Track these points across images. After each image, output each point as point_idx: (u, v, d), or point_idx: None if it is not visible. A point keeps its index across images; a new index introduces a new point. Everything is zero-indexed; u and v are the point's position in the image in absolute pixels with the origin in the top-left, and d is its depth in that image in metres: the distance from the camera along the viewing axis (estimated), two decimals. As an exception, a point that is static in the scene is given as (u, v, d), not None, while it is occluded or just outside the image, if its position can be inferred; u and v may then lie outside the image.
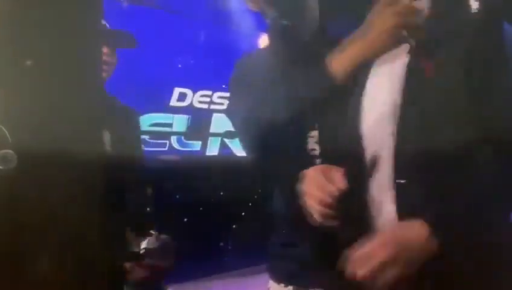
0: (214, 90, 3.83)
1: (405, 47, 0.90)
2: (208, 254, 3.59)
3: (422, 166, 0.87)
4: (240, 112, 1.37)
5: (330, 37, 1.41)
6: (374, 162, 0.91)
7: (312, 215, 0.92)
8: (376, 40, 0.91)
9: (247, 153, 1.29)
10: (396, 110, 0.88)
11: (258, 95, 1.26)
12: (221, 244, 3.91)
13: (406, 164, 0.88)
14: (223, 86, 3.69)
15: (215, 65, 3.74)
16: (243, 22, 3.84)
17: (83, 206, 1.14)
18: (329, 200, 0.89)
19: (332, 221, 0.90)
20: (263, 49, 1.50)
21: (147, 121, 3.54)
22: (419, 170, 0.87)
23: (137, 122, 2.31)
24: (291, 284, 1.21)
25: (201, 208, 3.59)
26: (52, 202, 1.07)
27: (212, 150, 4.01)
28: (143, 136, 3.49)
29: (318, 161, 1.19)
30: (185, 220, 3.57)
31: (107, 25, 2.09)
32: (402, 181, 0.88)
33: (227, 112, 1.69)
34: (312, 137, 1.18)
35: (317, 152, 1.21)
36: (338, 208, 0.89)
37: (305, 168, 0.98)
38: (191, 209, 3.56)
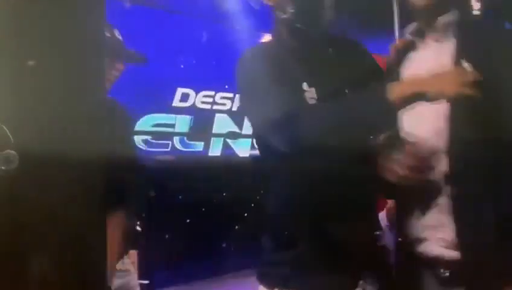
0: (217, 91, 3.83)
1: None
2: (210, 255, 3.58)
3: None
4: (260, 112, 1.38)
5: (333, 36, 1.43)
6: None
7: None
8: (437, 94, 1.05)
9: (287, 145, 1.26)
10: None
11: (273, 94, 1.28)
12: (224, 245, 3.90)
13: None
14: (226, 87, 3.69)
15: (218, 65, 3.74)
16: (246, 22, 3.84)
17: (84, 207, 1.14)
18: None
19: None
20: (267, 43, 1.49)
21: (150, 121, 3.54)
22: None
23: (128, 122, 2.32)
24: (286, 288, 1.21)
25: (203, 209, 3.59)
26: (53, 202, 1.07)
27: (215, 150, 4.00)
28: (145, 137, 3.49)
29: None
30: (188, 221, 3.57)
31: (123, 42, 2.10)
32: None
33: (243, 112, 1.69)
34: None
35: None
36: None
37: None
38: (194, 210, 3.56)
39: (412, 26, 1.25)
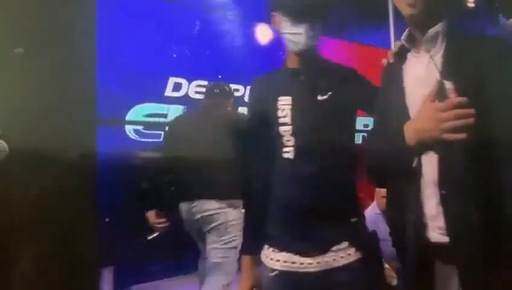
0: (210, 80, 3.78)
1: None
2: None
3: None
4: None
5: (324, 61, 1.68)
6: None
7: None
8: (437, 140, 1.21)
9: None
10: None
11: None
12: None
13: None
14: (219, 76, 3.65)
15: (211, 55, 3.70)
16: (239, 11, 3.80)
17: (73, 195, 1.11)
18: None
19: None
20: (275, 70, 1.71)
21: (142, 111, 3.50)
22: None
23: None
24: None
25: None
26: (43, 191, 1.04)
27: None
28: (137, 127, 3.46)
29: None
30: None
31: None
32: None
33: None
34: None
35: None
36: None
37: None
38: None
39: (405, 32, 1.35)
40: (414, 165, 1.24)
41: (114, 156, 2.85)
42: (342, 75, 1.66)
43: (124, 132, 3.39)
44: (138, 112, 3.47)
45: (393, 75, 1.37)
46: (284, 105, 1.59)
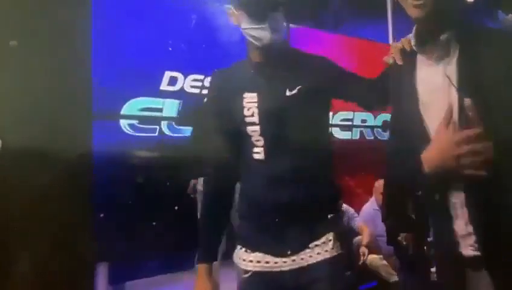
0: (206, 75, 3.75)
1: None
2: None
3: None
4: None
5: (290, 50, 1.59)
6: None
7: None
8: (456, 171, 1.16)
9: None
10: None
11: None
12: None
13: None
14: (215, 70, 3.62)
15: (208, 49, 3.66)
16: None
17: (68, 191, 1.09)
18: None
19: None
20: (237, 63, 1.60)
21: (136, 105, 3.46)
22: None
23: None
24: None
25: (192, 196, 3.54)
26: (36, 185, 1.01)
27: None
28: (132, 121, 3.42)
29: None
30: (176, 208, 3.52)
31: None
32: None
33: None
34: None
35: None
36: None
37: None
38: (182, 196, 3.52)
39: (413, 32, 1.26)
40: (437, 198, 1.21)
41: (109, 151, 2.82)
42: (311, 65, 1.55)
43: (119, 126, 3.36)
44: (133, 106, 3.44)
45: (404, 80, 1.28)
46: (250, 103, 1.48)
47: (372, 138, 5.14)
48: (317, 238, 1.47)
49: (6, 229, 0.98)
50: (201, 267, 1.55)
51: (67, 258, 1.14)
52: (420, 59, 1.25)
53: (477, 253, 1.17)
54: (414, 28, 1.25)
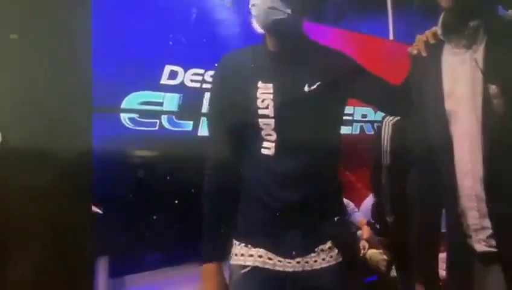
0: (207, 69, 3.74)
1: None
2: (199, 237, 3.54)
3: None
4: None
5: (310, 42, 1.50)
6: None
7: None
8: None
9: None
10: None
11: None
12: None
13: None
14: (216, 65, 3.61)
15: (208, 43, 3.65)
16: (237, -1, 3.74)
17: (67, 186, 1.09)
18: None
19: None
20: (249, 48, 1.54)
21: (137, 99, 3.45)
22: None
23: None
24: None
25: (192, 190, 3.55)
26: (36, 181, 1.01)
27: (205, 130, 3.94)
28: (132, 115, 3.42)
29: None
30: (176, 202, 3.52)
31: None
32: None
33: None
34: None
35: None
36: None
37: None
38: (182, 191, 3.51)
39: (440, 21, 1.27)
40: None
41: (110, 144, 2.82)
42: (331, 60, 1.47)
43: (119, 120, 3.35)
44: (133, 99, 3.43)
45: (430, 72, 1.28)
46: (265, 94, 1.38)
47: (373, 132, 5.14)
48: (323, 242, 1.42)
49: (5, 224, 0.98)
50: (208, 268, 1.45)
51: (67, 252, 1.14)
52: (446, 49, 1.26)
53: (491, 249, 1.17)
54: (441, 18, 1.26)
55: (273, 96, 1.38)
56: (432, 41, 1.28)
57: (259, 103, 1.39)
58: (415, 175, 1.41)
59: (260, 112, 1.39)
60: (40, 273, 1.03)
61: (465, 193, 1.20)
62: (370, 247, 3.87)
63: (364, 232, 3.88)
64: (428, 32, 1.31)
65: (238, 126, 1.43)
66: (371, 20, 5.33)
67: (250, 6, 1.38)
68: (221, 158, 1.47)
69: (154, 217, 3.34)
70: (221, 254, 1.48)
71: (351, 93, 1.51)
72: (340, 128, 1.59)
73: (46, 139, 1.04)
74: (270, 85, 1.39)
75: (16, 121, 1.00)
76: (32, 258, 1.02)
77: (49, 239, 1.06)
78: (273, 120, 1.38)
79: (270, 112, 1.38)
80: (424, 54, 1.30)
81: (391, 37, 5.62)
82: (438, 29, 1.27)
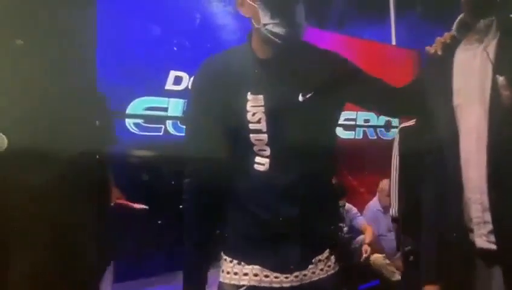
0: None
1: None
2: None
3: None
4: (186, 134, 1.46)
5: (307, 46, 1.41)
6: None
7: None
8: None
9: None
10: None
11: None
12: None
13: None
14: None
15: (212, 48, 3.68)
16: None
17: (72, 188, 1.10)
18: None
19: None
20: (234, 49, 1.43)
21: (142, 104, 3.48)
22: None
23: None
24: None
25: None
26: (41, 184, 1.03)
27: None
28: (137, 121, 3.45)
29: None
30: (180, 207, 3.53)
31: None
32: None
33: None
34: None
35: None
36: None
37: None
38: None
39: (457, 22, 1.31)
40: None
41: (115, 149, 2.84)
42: (327, 63, 1.37)
43: (124, 125, 3.38)
44: (138, 105, 3.46)
45: (442, 69, 1.32)
46: (255, 107, 1.27)
47: (375, 137, 5.15)
48: (321, 252, 1.36)
49: (9, 227, 1.00)
50: None
51: (73, 257, 1.15)
52: (460, 47, 1.30)
53: (491, 246, 1.17)
54: (458, 18, 1.31)
55: (265, 109, 1.26)
56: (448, 41, 1.33)
57: (249, 117, 1.27)
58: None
59: (251, 126, 1.27)
60: (40, 273, 1.04)
61: (470, 185, 1.20)
62: (373, 251, 3.87)
63: (367, 236, 3.87)
64: (447, 34, 1.35)
65: (226, 142, 1.32)
66: (373, 25, 5.35)
67: (269, 23, 1.24)
68: (203, 177, 1.35)
69: (159, 221, 3.35)
70: (202, 280, 1.38)
71: (348, 98, 1.43)
72: (335, 134, 1.48)
73: (51, 144, 1.05)
74: (261, 96, 1.27)
75: (21, 126, 1.01)
76: (32, 258, 1.03)
77: (53, 244, 1.07)
78: (266, 135, 1.27)
79: (262, 126, 1.27)
80: (439, 52, 1.34)
81: (393, 42, 5.65)
82: (454, 25, 1.32)
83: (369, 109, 1.58)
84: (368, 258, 3.78)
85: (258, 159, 1.30)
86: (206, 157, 1.32)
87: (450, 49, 1.32)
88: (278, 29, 1.24)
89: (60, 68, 1.09)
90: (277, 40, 1.25)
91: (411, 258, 2.96)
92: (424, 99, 1.34)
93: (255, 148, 1.29)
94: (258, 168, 1.30)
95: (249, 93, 1.28)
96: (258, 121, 1.27)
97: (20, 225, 1.01)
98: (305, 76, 1.31)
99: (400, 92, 1.43)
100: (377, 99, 1.44)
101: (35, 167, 1.02)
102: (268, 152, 1.29)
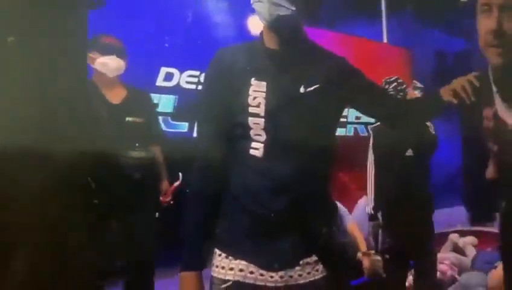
0: (202, 70, 3.77)
1: None
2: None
3: None
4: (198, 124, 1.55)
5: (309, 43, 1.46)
6: None
7: None
8: None
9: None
10: None
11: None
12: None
13: None
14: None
15: (203, 45, 3.67)
16: (231, 1, 3.77)
17: (66, 188, 1.10)
18: None
19: None
20: (245, 44, 1.47)
21: (133, 101, 3.46)
22: None
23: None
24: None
25: (188, 191, 3.55)
26: (35, 186, 1.02)
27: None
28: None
29: None
30: (171, 202, 3.52)
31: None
32: None
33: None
34: None
35: None
36: None
37: None
38: (179, 193, 3.53)
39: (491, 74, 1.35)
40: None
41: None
42: (332, 64, 1.42)
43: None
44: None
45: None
46: (257, 92, 1.32)
47: (366, 134, 5.18)
48: (309, 255, 1.35)
49: (8, 230, 1.00)
50: (187, 276, 1.35)
51: (67, 252, 1.15)
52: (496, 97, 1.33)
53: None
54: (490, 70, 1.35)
55: (266, 95, 1.31)
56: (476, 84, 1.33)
57: (250, 100, 1.32)
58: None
59: (250, 109, 1.32)
60: (41, 273, 1.04)
61: None
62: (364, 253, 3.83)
63: (361, 245, 3.76)
64: (470, 77, 1.34)
65: (227, 123, 1.35)
66: (365, 23, 5.37)
67: (253, 2, 1.31)
68: (208, 158, 1.39)
69: (156, 215, 3.34)
70: (200, 263, 1.38)
71: (349, 101, 1.46)
72: (335, 134, 1.50)
73: (46, 144, 1.05)
74: (264, 83, 1.32)
75: (14, 121, 1.01)
76: (32, 258, 1.03)
77: (54, 247, 1.07)
78: (263, 119, 1.31)
79: (260, 110, 1.31)
80: (473, 98, 1.32)
81: (385, 40, 5.67)
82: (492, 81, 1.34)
83: (368, 116, 1.61)
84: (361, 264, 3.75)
85: (253, 144, 1.33)
86: (214, 141, 1.38)
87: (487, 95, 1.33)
88: (259, 7, 1.30)
89: (49, 65, 1.08)
90: (262, 20, 1.33)
91: (387, 256, 2.99)
92: (423, 117, 1.45)
93: (252, 132, 1.33)
94: (253, 153, 1.33)
95: (253, 78, 1.34)
96: (257, 105, 1.32)
97: (20, 225, 1.01)
98: (310, 71, 1.36)
99: (403, 108, 1.50)
100: (378, 110, 1.50)
101: (28, 163, 1.01)
102: (263, 137, 1.32)
